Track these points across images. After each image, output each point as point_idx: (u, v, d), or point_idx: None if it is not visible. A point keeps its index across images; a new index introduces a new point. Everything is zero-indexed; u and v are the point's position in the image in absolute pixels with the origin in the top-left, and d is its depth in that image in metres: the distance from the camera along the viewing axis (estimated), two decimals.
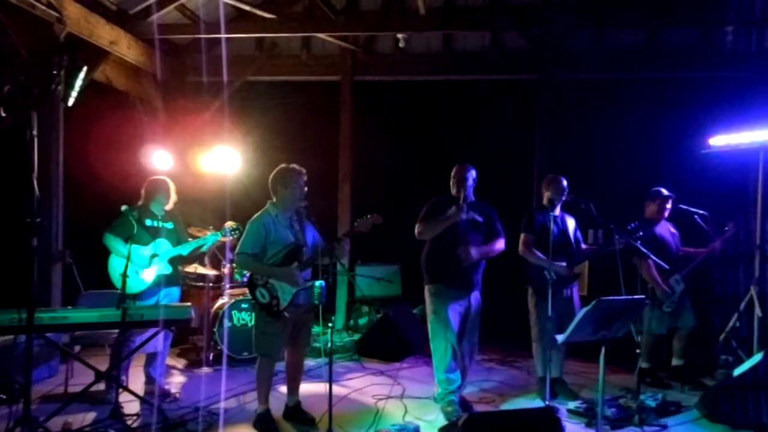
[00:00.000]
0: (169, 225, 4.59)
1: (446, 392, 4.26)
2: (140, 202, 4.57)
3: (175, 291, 4.66)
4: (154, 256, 4.45)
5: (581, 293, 5.21)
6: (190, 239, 4.76)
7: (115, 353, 4.36)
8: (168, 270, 4.50)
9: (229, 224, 4.82)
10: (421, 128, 7.41)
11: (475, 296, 4.42)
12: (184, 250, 4.59)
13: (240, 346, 5.39)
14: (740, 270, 5.94)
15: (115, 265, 4.40)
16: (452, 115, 7.34)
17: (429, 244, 4.43)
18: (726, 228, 5.05)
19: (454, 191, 4.43)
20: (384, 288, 6.90)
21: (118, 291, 4.23)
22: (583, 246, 4.86)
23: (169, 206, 4.64)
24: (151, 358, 4.54)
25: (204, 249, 4.85)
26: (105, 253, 4.44)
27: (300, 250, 3.95)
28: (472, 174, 4.47)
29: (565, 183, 4.64)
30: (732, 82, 6.27)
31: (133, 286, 4.35)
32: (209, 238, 4.75)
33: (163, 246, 4.48)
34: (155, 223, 4.53)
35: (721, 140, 5.49)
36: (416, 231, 4.36)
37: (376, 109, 7.41)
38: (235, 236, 4.73)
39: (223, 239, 4.81)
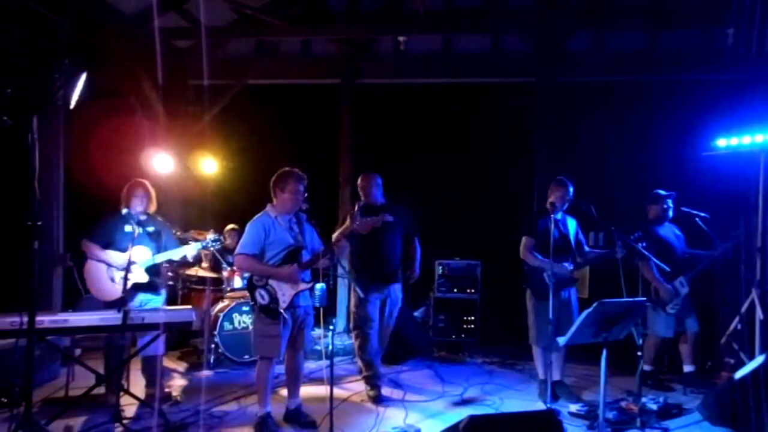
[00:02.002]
0: (151, 229, 4.44)
1: (372, 374, 4.80)
2: (121, 207, 4.44)
3: (157, 298, 4.52)
4: (131, 263, 4.30)
5: (582, 296, 5.21)
6: (178, 242, 4.66)
7: (108, 356, 4.37)
8: (144, 278, 4.36)
9: (211, 236, 4.79)
10: (421, 131, 7.41)
11: (395, 288, 4.90)
12: (162, 259, 4.44)
13: (241, 348, 5.39)
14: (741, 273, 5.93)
15: (93, 272, 4.33)
16: (452, 117, 7.34)
17: (350, 247, 4.74)
18: (733, 234, 5.05)
19: (362, 197, 4.90)
20: None
21: (96, 298, 4.24)
22: (586, 248, 4.86)
23: (151, 209, 4.50)
24: (148, 362, 4.51)
25: (189, 258, 4.74)
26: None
27: (299, 252, 3.96)
28: (376, 181, 4.91)
29: (571, 190, 4.65)
30: (732, 85, 6.27)
31: (109, 293, 4.29)
32: (189, 248, 4.58)
33: (141, 253, 4.34)
34: (135, 228, 4.39)
35: (722, 143, 5.50)
36: None
37: (376, 111, 7.42)
38: (216, 247, 4.88)
39: (204, 251, 4.73)
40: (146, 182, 4.53)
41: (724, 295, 5.55)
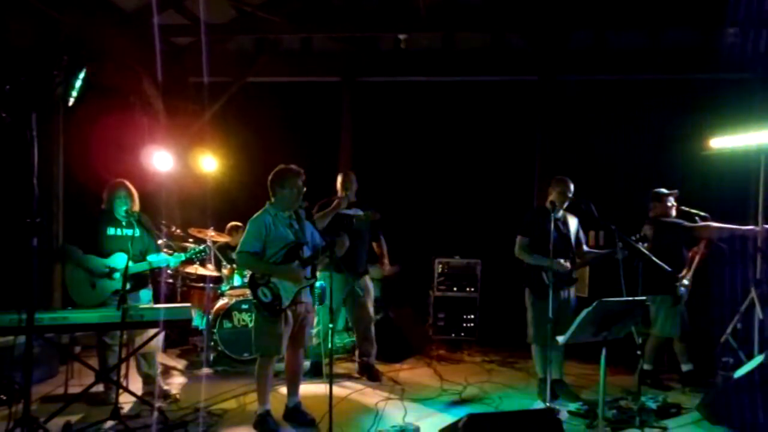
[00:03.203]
0: (137, 232, 4.26)
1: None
2: (103, 207, 4.39)
3: (143, 295, 4.44)
4: (113, 270, 4.24)
5: (582, 295, 5.21)
6: (161, 242, 4.60)
7: (99, 355, 4.35)
8: (127, 285, 4.14)
9: (196, 247, 4.72)
10: (422, 129, 7.41)
11: (363, 281, 5.21)
12: (141, 268, 4.32)
13: (240, 346, 5.39)
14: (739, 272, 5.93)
15: (73, 277, 4.25)
16: (452, 115, 7.34)
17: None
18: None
19: (340, 193, 5.20)
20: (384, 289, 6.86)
21: (78, 305, 4.16)
22: (585, 248, 4.85)
23: (134, 209, 4.37)
24: (146, 359, 4.47)
25: (172, 267, 4.70)
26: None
27: (300, 248, 3.95)
28: (354, 179, 5.26)
29: (571, 187, 4.64)
30: (733, 84, 6.26)
31: (90, 300, 4.20)
32: (171, 259, 4.51)
33: (123, 259, 4.18)
34: (118, 232, 4.33)
35: (722, 142, 5.49)
36: None
37: (377, 109, 7.41)
38: (200, 258, 4.81)
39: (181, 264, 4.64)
40: (127, 182, 4.42)
41: (723, 294, 5.55)
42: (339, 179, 5.28)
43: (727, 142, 5.45)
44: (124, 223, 4.37)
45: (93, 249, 4.28)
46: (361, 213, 5.14)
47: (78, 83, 3.48)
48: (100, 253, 4.28)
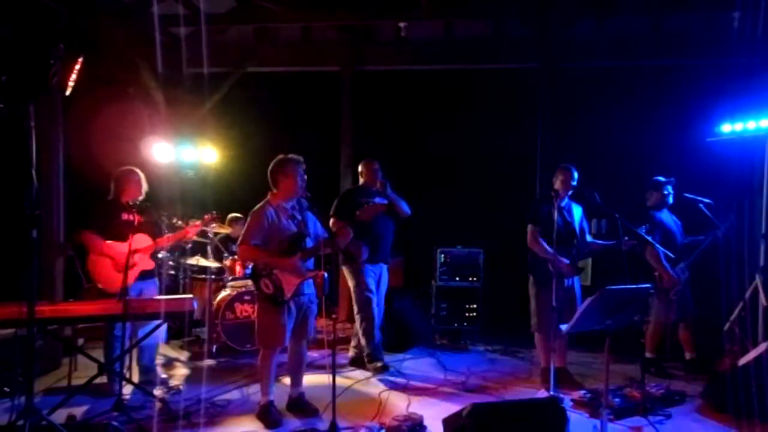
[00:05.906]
0: (148, 216, 4.43)
1: (378, 354, 5.08)
2: (111, 196, 4.45)
3: (152, 284, 4.55)
4: (134, 251, 4.27)
5: (585, 283, 5.20)
6: (166, 231, 4.68)
7: (106, 346, 4.37)
8: (150, 265, 4.38)
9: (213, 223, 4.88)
10: (422, 118, 7.36)
11: (385, 269, 5.24)
12: (165, 243, 4.48)
13: (243, 337, 5.39)
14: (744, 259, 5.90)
15: (98, 264, 4.30)
16: (454, 104, 7.29)
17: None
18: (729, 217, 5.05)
19: (365, 181, 5.18)
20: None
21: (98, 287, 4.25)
22: (588, 238, 4.83)
23: (141, 196, 4.48)
24: (146, 350, 4.49)
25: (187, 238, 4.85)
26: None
27: (302, 239, 3.93)
28: (375, 167, 5.19)
29: (575, 176, 4.61)
30: (737, 69, 6.19)
31: (117, 284, 4.19)
32: (192, 228, 4.73)
33: (143, 240, 4.33)
34: (132, 217, 4.39)
35: (726, 128, 5.46)
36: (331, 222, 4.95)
37: (377, 98, 7.36)
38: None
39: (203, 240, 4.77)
40: (136, 169, 4.52)
41: (727, 281, 5.53)
42: (365, 168, 5.20)
43: (731, 128, 5.42)
44: (134, 209, 4.44)
45: (112, 236, 4.33)
46: (383, 201, 5.08)
47: (74, 72, 3.44)
48: (118, 239, 4.33)
